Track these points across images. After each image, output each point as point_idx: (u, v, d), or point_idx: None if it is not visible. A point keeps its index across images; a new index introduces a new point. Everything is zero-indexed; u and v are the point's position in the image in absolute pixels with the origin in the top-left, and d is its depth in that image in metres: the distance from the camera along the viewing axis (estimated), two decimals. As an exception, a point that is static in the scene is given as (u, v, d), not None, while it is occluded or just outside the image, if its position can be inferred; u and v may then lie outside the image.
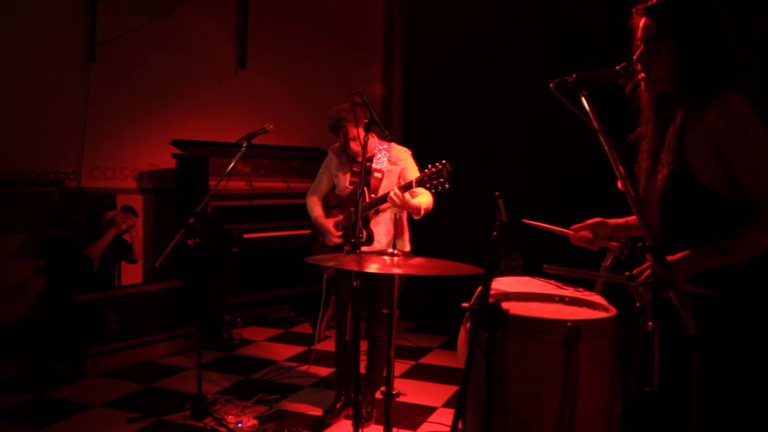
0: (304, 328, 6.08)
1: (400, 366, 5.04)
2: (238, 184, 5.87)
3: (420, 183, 3.30)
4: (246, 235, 5.53)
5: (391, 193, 3.46)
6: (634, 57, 1.99)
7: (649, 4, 1.94)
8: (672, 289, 1.55)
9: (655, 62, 1.95)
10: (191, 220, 3.86)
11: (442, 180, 3.19)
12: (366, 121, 2.85)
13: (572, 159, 5.04)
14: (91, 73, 5.79)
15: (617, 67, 2.02)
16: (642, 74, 1.99)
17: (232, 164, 3.95)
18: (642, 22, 1.97)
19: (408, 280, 3.82)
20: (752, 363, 1.90)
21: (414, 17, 6.65)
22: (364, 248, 3.74)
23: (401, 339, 5.77)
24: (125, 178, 6.10)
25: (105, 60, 5.82)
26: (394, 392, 2.62)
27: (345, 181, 3.98)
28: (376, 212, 3.83)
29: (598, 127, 1.84)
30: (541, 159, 5.50)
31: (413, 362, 5.17)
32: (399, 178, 3.81)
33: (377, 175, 3.83)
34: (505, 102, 5.74)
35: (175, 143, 5.83)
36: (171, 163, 6.02)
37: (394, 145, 3.93)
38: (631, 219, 2.29)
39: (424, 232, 4.10)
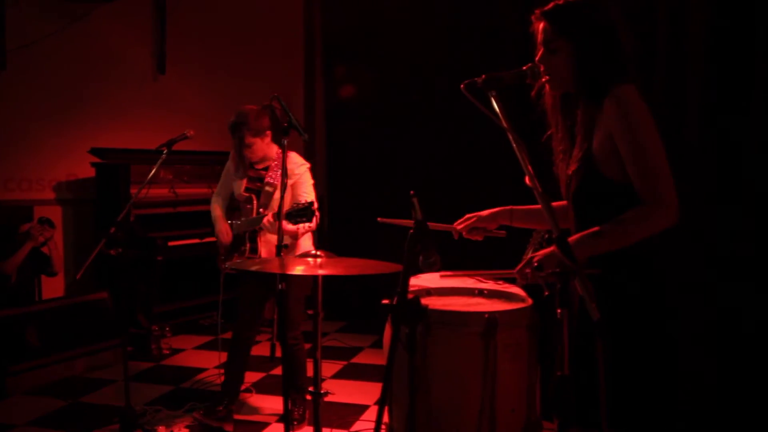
0: (235, 334, 6.03)
1: (332, 366, 5.07)
2: (161, 192, 5.77)
3: (287, 216, 3.29)
4: (171, 243, 5.45)
5: (264, 220, 3.53)
6: (536, 59, 2.08)
7: (546, 8, 2.05)
8: (577, 278, 1.63)
9: (555, 62, 2.04)
10: (112, 230, 3.79)
11: (304, 219, 3.10)
12: (284, 125, 2.85)
13: (489, 159, 5.16)
14: (1, 82, 5.60)
15: (524, 68, 2.11)
16: (545, 76, 2.08)
17: (153, 171, 3.88)
18: (541, 26, 2.07)
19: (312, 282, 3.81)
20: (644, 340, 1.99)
21: (334, 20, 6.67)
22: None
23: (333, 340, 5.80)
24: (43, 189, 5.91)
25: (16, 68, 5.64)
26: (321, 392, 2.63)
27: (240, 187, 3.94)
28: (260, 228, 3.75)
29: (506, 126, 1.91)
30: (462, 159, 5.60)
31: (345, 362, 5.21)
32: (291, 193, 3.75)
33: (268, 189, 3.79)
34: (428, 103, 5.80)
35: (94, 152, 5.70)
36: (91, 172, 5.87)
37: (293, 155, 3.85)
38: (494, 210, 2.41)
39: (346, 232, 4.14)
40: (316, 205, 3.08)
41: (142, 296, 5.51)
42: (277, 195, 3.74)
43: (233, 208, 4.19)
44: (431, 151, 5.79)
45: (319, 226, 5.01)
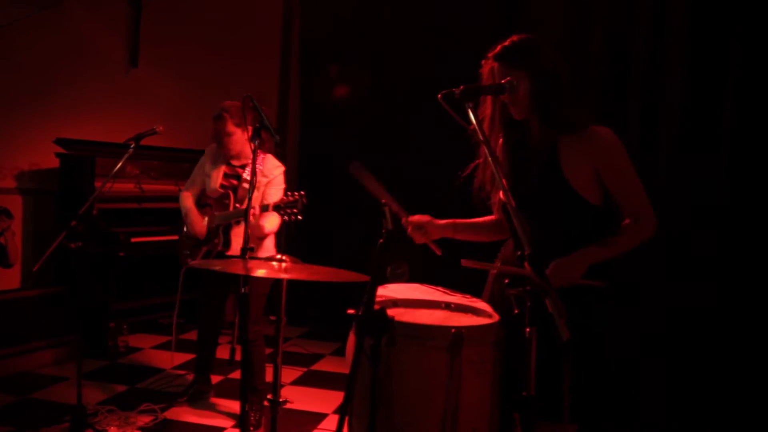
0: (194, 335, 5.90)
1: (292, 373, 5.00)
2: (127, 186, 5.65)
3: (276, 208, 3.34)
4: (134, 239, 5.33)
5: (251, 213, 3.51)
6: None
7: (496, 51, 2.22)
8: (547, 297, 1.61)
9: (516, 92, 2.17)
10: (73, 223, 3.70)
11: (296, 210, 3.20)
12: (256, 125, 2.81)
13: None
14: (-34, 65, 5.45)
15: (503, 81, 2.15)
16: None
17: (118, 165, 3.79)
18: (496, 66, 2.22)
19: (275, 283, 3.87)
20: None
21: (313, 16, 6.61)
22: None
23: (294, 345, 5.73)
24: (3, 177, 5.73)
25: (-18, 52, 5.49)
26: (280, 400, 2.59)
27: (216, 182, 3.99)
28: (237, 222, 3.87)
29: (483, 139, 1.92)
30: (439, 168, 5.54)
31: (305, 369, 5.14)
32: (261, 193, 3.84)
33: (246, 185, 3.83)
34: (406, 110, 5.74)
35: (59, 142, 5.56)
36: (55, 162, 5.73)
37: (270, 157, 3.94)
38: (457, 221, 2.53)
39: (312, 238, 4.11)
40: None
41: (101, 292, 5.38)
42: (254, 193, 3.74)
43: (200, 205, 4.17)
44: (407, 159, 5.72)
45: (285, 231, 4.95)
